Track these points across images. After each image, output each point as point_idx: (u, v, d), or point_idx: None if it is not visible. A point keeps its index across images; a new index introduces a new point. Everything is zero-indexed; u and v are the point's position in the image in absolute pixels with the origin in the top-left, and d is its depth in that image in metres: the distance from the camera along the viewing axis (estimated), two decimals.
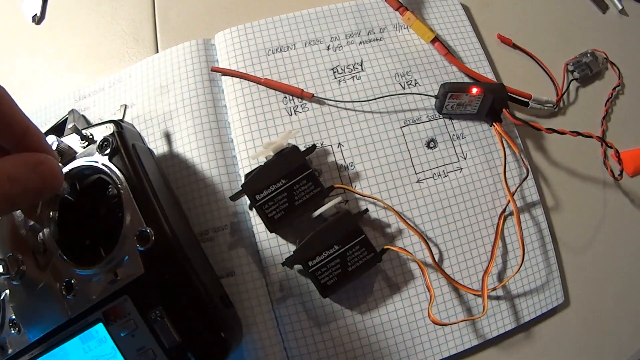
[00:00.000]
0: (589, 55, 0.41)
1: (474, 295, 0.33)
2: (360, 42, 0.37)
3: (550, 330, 0.35)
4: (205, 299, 0.28)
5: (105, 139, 0.30)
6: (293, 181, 0.30)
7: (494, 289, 0.33)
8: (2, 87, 0.20)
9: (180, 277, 0.28)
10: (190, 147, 0.34)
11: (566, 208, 0.37)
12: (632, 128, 0.40)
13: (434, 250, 0.34)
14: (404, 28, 0.38)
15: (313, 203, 0.30)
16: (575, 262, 0.37)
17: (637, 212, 0.39)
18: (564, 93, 0.39)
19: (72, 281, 0.29)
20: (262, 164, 0.31)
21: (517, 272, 0.33)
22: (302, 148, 0.32)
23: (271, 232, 0.31)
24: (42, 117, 0.39)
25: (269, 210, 0.30)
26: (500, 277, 0.34)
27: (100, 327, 0.29)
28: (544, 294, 0.35)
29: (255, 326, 0.32)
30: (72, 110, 0.36)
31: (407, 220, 0.34)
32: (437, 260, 0.33)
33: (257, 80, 0.35)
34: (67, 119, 0.36)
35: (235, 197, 0.32)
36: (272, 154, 0.31)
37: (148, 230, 0.28)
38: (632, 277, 0.37)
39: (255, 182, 0.30)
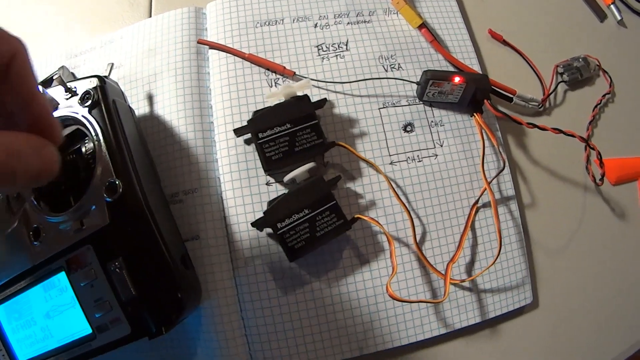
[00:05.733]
0: (581, 60, 0.40)
1: (439, 278, 0.33)
2: (348, 23, 0.37)
3: (516, 330, 0.35)
4: (166, 255, 0.28)
5: (87, 92, 0.31)
6: (298, 127, 0.31)
7: (463, 280, 0.33)
8: (22, 43, 0.19)
9: (144, 231, 0.28)
10: (171, 109, 0.34)
11: (543, 208, 0.37)
12: (618, 137, 0.40)
13: (402, 234, 0.33)
14: (393, 13, 0.38)
15: (312, 153, 0.31)
16: (548, 264, 0.36)
17: (616, 221, 0.38)
18: (551, 93, 0.39)
19: (40, 227, 0.30)
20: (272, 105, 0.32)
21: (492, 264, 0.33)
22: None
23: (266, 171, 0.32)
24: None
25: (268, 150, 0.31)
26: (468, 268, 0.34)
27: (62, 276, 0.30)
28: (512, 292, 0.35)
29: (214, 292, 0.32)
30: (63, 66, 0.37)
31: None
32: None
33: (241, 55, 0.35)
34: (54, 77, 0.37)
35: (239, 131, 0.32)
36: (283, 99, 0.32)
37: (117, 182, 0.28)
38: (604, 287, 0.37)
39: (262, 120, 0.31)
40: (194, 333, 0.32)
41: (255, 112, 0.32)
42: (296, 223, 0.30)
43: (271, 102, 0.33)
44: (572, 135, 0.34)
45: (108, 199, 0.28)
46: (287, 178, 0.31)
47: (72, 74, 0.38)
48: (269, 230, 0.32)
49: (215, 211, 0.33)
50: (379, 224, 0.31)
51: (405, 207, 0.32)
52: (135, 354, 0.34)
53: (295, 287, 0.32)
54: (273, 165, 0.31)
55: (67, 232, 0.29)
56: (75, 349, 0.30)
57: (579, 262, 0.37)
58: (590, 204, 0.38)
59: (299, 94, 0.32)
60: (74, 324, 0.30)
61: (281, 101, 0.32)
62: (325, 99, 0.33)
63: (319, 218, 0.30)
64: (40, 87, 0.32)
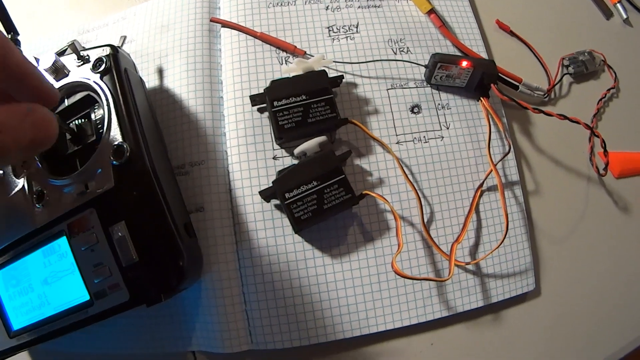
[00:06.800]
0: (586, 54, 0.41)
1: (443, 258, 0.33)
2: (359, 7, 0.38)
3: (518, 317, 0.35)
4: (169, 221, 0.28)
5: (99, 59, 0.31)
6: (313, 100, 0.31)
7: (468, 263, 0.33)
8: (8, 41, 0.19)
9: (148, 195, 0.28)
10: (181, 83, 0.35)
11: (546, 195, 0.37)
12: (622, 131, 0.40)
13: (407, 212, 0.33)
14: None
15: (324, 126, 0.32)
16: (551, 252, 0.36)
17: (619, 214, 0.38)
18: (556, 84, 0.40)
19: (44, 191, 0.30)
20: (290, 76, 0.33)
21: (499, 246, 0.33)
22: None
23: (277, 139, 0.32)
24: (43, 47, 0.40)
25: (281, 119, 0.31)
26: (472, 250, 0.34)
27: (63, 241, 0.29)
28: (514, 277, 0.34)
29: (216, 265, 0.32)
30: (74, 40, 0.37)
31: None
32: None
33: (253, 34, 0.36)
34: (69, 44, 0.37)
35: (254, 98, 0.33)
36: (301, 72, 0.32)
37: (125, 145, 0.28)
38: (606, 278, 0.36)
39: (278, 89, 0.32)
40: (194, 307, 0.32)
41: (273, 82, 0.32)
42: (304, 194, 0.30)
43: (289, 75, 0.34)
44: (577, 122, 0.34)
45: (115, 162, 0.28)
46: (298, 150, 0.31)
47: (84, 48, 0.38)
48: (275, 201, 0.32)
49: (220, 184, 0.33)
50: (387, 201, 0.31)
51: (413, 186, 0.32)
52: (133, 327, 0.33)
53: (298, 263, 0.32)
54: (284, 134, 0.31)
55: (71, 195, 0.29)
56: (72, 316, 0.29)
57: (582, 252, 0.36)
58: (593, 196, 0.38)
59: (317, 68, 0.33)
60: (72, 291, 0.29)
61: (299, 74, 0.33)
62: (342, 76, 0.33)
63: (327, 191, 0.30)
64: (54, 54, 0.32)
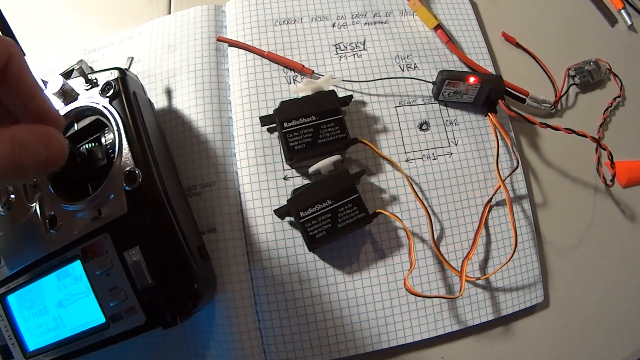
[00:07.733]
0: (592, 63, 0.41)
1: (453, 274, 0.33)
2: (365, 23, 0.38)
3: (527, 329, 0.35)
4: (183, 245, 0.29)
5: (108, 83, 0.31)
6: (322, 120, 0.32)
7: (478, 278, 0.33)
8: (17, 46, 0.20)
9: (161, 220, 0.28)
10: (189, 104, 0.35)
11: (554, 208, 0.37)
12: (629, 140, 0.40)
13: (417, 230, 0.34)
14: (410, 14, 0.39)
15: (334, 147, 0.32)
16: (559, 264, 0.36)
17: (627, 223, 0.38)
18: (563, 95, 0.40)
19: (57, 216, 0.30)
20: (300, 97, 0.33)
21: (508, 261, 0.33)
22: None
23: (288, 160, 0.32)
24: (50, 66, 0.40)
25: (291, 140, 0.31)
26: (482, 265, 0.34)
27: (77, 265, 0.30)
28: (524, 290, 0.35)
29: (229, 285, 0.32)
30: (81, 60, 0.38)
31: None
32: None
33: (260, 53, 0.36)
34: (75, 68, 0.37)
35: (264, 119, 0.33)
36: (310, 92, 0.33)
37: (137, 171, 0.28)
38: (615, 287, 0.37)
39: (288, 110, 0.32)
40: (208, 326, 0.32)
41: (282, 102, 0.33)
42: (318, 213, 0.30)
43: (298, 95, 0.34)
44: (584, 136, 0.34)
45: (127, 188, 0.28)
46: (312, 169, 0.32)
47: (91, 67, 0.38)
48: (289, 218, 0.32)
49: (232, 204, 0.33)
50: (400, 220, 0.32)
51: (423, 204, 0.33)
52: (147, 347, 0.34)
53: (311, 281, 0.32)
54: (295, 155, 0.31)
55: (84, 220, 0.29)
56: (87, 339, 0.30)
57: (590, 262, 0.37)
58: (600, 206, 0.38)
59: (326, 88, 0.33)
60: (87, 313, 0.30)
61: (308, 94, 0.33)
62: (351, 96, 0.34)
63: (341, 210, 0.30)
64: (61, 78, 0.32)
